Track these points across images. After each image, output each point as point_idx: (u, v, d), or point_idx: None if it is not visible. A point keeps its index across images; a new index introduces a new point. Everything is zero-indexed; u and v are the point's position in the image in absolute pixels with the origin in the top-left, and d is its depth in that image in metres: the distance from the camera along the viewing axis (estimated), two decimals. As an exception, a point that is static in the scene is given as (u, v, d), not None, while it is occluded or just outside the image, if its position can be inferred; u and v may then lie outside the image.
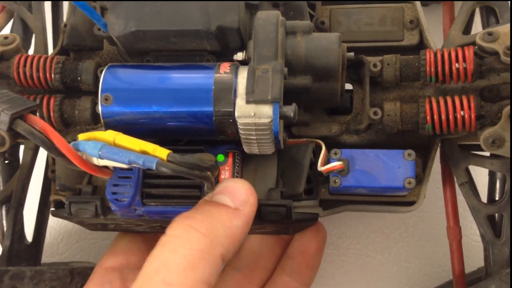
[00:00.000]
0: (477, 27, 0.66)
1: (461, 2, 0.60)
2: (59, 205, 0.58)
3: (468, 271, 0.63)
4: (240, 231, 0.48)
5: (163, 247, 0.46)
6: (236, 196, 0.49)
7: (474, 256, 0.67)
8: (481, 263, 0.62)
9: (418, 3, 0.58)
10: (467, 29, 0.60)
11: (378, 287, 0.69)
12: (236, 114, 0.48)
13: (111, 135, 0.48)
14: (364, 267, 0.70)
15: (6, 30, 0.66)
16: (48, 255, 0.71)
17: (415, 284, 0.69)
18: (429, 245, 0.70)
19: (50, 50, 0.65)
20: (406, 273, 0.70)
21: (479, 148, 0.57)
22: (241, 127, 0.49)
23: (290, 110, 0.48)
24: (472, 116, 0.51)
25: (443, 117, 0.52)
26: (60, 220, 0.73)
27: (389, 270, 0.70)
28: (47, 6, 0.68)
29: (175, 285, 0.43)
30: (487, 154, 0.57)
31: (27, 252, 0.64)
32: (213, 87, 0.49)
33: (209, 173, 0.49)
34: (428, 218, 0.70)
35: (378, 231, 0.71)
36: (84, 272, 0.61)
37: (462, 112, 0.52)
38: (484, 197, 0.59)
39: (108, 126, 0.51)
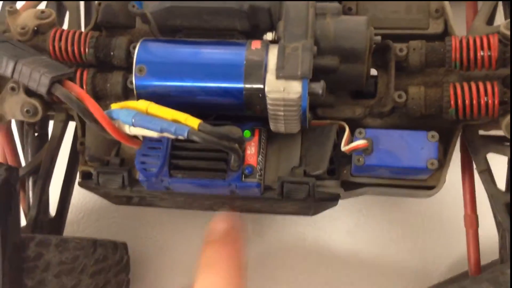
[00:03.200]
0: (497, 22, 0.67)
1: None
2: (86, 176, 0.59)
3: (483, 262, 0.63)
4: None
5: None
6: None
7: (490, 248, 0.67)
8: (491, 257, 0.63)
9: (443, -8, 0.59)
10: (490, 21, 0.61)
11: (393, 274, 0.70)
12: (266, 89, 0.49)
13: (144, 104, 0.50)
14: (380, 254, 0.70)
15: (42, 7, 0.68)
16: (69, 231, 0.72)
17: (431, 273, 0.70)
18: (446, 233, 0.70)
19: (82, 29, 0.67)
20: (422, 261, 0.70)
21: (499, 140, 0.58)
22: (270, 102, 0.50)
23: (319, 86, 0.49)
24: (496, 102, 0.52)
25: (467, 102, 0.53)
26: (81, 197, 0.75)
27: (402, 260, 0.71)
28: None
29: None
30: (507, 143, 0.58)
31: (50, 225, 0.66)
32: (245, 62, 0.51)
33: (236, 145, 0.50)
34: (445, 206, 0.70)
35: (393, 222, 0.71)
36: (106, 244, 0.62)
37: (486, 98, 0.53)
38: (500, 186, 0.60)
39: (140, 98, 0.52)
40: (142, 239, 0.73)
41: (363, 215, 0.72)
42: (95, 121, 0.48)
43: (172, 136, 0.48)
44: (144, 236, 0.73)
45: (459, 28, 0.60)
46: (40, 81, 0.46)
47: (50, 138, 0.62)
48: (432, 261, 0.70)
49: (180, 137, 0.48)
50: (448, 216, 0.71)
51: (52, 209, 0.67)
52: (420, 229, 0.71)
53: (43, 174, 0.61)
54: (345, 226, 0.72)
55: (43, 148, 0.62)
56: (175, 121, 0.48)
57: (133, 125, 0.49)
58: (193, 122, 0.48)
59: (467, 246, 0.62)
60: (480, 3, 0.63)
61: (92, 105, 0.48)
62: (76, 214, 0.75)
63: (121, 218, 0.74)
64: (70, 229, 0.74)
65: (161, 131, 0.48)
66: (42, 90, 0.46)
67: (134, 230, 0.73)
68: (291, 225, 0.72)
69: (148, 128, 0.48)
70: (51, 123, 0.64)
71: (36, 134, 0.65)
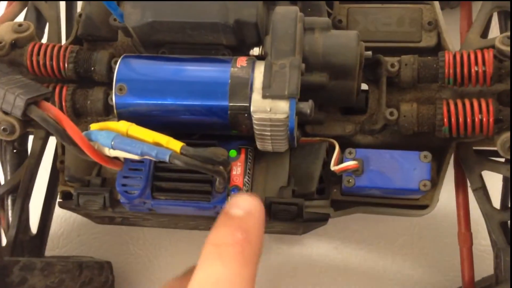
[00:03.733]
0: (493, 32, 0.66)
1: (478, 5, 0.60)
2: (66, 196, 0.57)
3: (477, 278, 0.62)
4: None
5: None
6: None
7: (484, 264, 0.66)
8: (486, 272, 0.61)
9: (437, 4, 0.57)
10: (484, 33, 0.59)
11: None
12: (252, 108, 0.47)
13: (124, 126, 0.47)
14: (372, 270, 0.69)
15: (20, 18, 0.65)
16: (49, 248, 0.70)
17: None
18: (440, 251, 0.69)
19: (63, 40, 0.65)
20: (410, 281, 0.69)
21: (493, 154, 0.56)
22: (256, 122, 0.48)
23: (307, 106, 0.47)
24: (491, 120, 0.51)
25: (461, 120, 0.51)
26: (61, 213, 0.73)
27: (392, 277, 0.69)
28: (62, -5, 0.68)
29: None
30: (502, 160, 0.56)
31: (31, 244, 0.64)
32: (229, 81, 0.49)
33: (221, 167, 0.48)
34: (439, 223, 0.69)
35: (382, 237, 0.70)
36: (92, 266, 0.60)
37: (480, 116, 0.51)
38: (495, 204, 0.58)
39: (121, 117, 0.50)
40: (125, 255, 0.71)
41: (351, 230, 0.70)
42: (74, 143, 0.46)
43: (154, 159, 0.46)
44: (127, 252, 0.71)
45: (453, 39, 0.58)
46: (15, 103, 0.44)
47: (29, 155, 0.60)
48: (423, 278, 0.69)
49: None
50: (441, 232, 0.69)
51: (33, 226, 0.65)
52: (411, 245, 0.70)
53: (22, 192, 0.59)
54: (333, 242, 0.71)
55: (22, 166, 0.60)
56: (157, 144, 0.46)
57: (113, 148, 0.46)
58: (175, 145, 0.45)
59: (461, 263, 0.60)
60: (474, 13, 0.61)
61: (70, 127, 0.46)
62: (56, 230, 0.73)
63: (103, 234, 0.72)
64: (50, 245, 0.72)
65: (142, 154, 0.46)
66: (17, 113, 0.44)
67: (117, 247, 0.71)
68: (278, 241, 0.70)
69: (128, 152, 0.46)
70: (31, 138, 0.62)
71: (14, 151, 0.63)
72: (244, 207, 0.42)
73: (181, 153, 0.45)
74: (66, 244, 0.72)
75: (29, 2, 0.66)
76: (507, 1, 0.59)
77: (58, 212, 0.70)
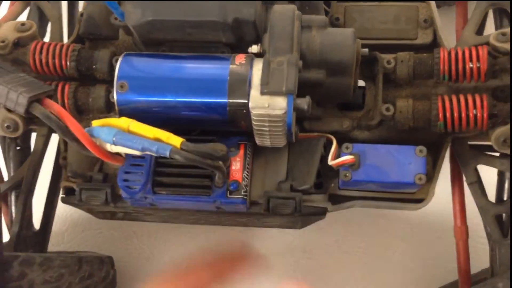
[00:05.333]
0: (488, 29, 0.67)
1: (474, 3, 0.61)
2: (69, 192, 0.58)
3: (473, 272, 0.63)
4: None
5: None
6: None
7: (480, 257, 0.67)
8: (484, 265, 0.62)
9: (433, 3, 0.58)
10: (480, 31, 0.60)
11: (383, 285, 0.69)
12: (251, 105, 0.48)
13: (125, 122, 0.48)
14: (369, 264, 0.70)
15: (22, 17, 0.66)
16: (53, 243, 0.71)
17: (418, 284, 0.69)
18: (436, 244, 0.70)
19: (65, 39, 0.66)
20: (410, 272, 0.70)
21: (488, 148, 0.57)
22: (254, 118, 0.49)
23: (304, 102, 0.48)
24: (485, 115, 0.52)
25: (456, 115, 0.52)
26: (66, 209, 0.74)
27: (393, 269, 0.70)
28: (64, -5, 0.69)
29: None
30: (497, 154, 0.57)
31: (34, 239, 0.64)
32: (228, 78, 0.49)
33: (221, 162, 0.49)
34: (435, 217, 0.70)
35: (385, 229, 0.71)
36: (92, 261, 0.61)
37: (474, 111, 0.52)
38: (490, 197, 0.59)
39: (122, 114, 0.51)
40: (128, 250, 0.72)
41: (352, 224, 0.71)
42: (76, 140, 0.47)
43: (155, 155, 0.47)
44: (130, 247, 0.72)
45: (449, 36, 0.59)
46: (18, 101, 0.45)
47: (32, 152, 0.61)
48: (421, 271, 0.70)
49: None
50: (438, 226, 0.70)
51: (37, 222, 0.66)
52: (409, 239, 0.71)
53: (25, 188, 0.60)
54: (334, 236, 0.72)
55: (25, 163, 0.61)
56: (157, 140, 0.47)
57: (114, 144, 0.47)
58: (176, 140, 0.46)
59: (457, 256, 0.61)
60: (470, 10, 0.62)
61: (72, 124, 0.47)
62: (61, 226, 0.74)
63: (107, 229, 0.73)
64: (55, 241, 0.73)
65: (143, 150, 0.47)
66: (20, 110, 0.45)
67: (120, 241, 0.72)
68: (279, 235, 0.71)
69: (129, 147, 0.47)
70: (33, 135, 0.63)
71: (18, 148, 0.64)
72: None
73: (181, 149, 0.46)
74: (71, 239, 0.73)
75: (32, 1, 0.67)
76: (503, 1, 0.59)
77: (64, 208, 0.71)
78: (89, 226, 0.73)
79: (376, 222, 0.71)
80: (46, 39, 0.65)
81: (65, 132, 0.47)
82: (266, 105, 0.48)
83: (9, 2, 0.67)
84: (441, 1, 0.66)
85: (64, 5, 0.68)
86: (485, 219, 0.57)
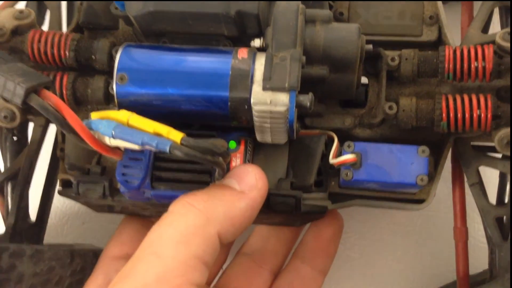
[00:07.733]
0: (494, 27, 0.66)
1: (480, 1, 0.60)
2: (66, 184, 0.57)
3: (473, 273, 0.63)
4: (243, 213, 0.47)
5: (161, 222, 0.46)
6: (243, 180, 0.48)
7: (480, 258, 0.66)
8: (483, 267, 0.62)
9: (439, -1, 0.57)
10: (485, 29, 0.59)
11: (382, 284, 0.69)
12: (252, 100, 0.48)
13: (125, 115, 0.47)
14: (369, 263, 0.70)
15: (21, 5, 0.65)
16: (52, 236, 0.70)
17: (419, 283, 0.69)
18: (436, 245, 0.69)
19: (64, 28, 0.65)
20: (412, 271, 0.70)
21: (491, 149, 0.57)
22: (256, 114, 0.48)
23: (307, 99, 0.47)
24: (489, 115, 0.51)
25: (459, 115, 0.51)
26: (66, 201, 0.73)
27: (394, 268, 0.70)
28: (63, -17, 0.68)
29: (166, 257, 0.43)
30: (499, 155, 0.56)
31: (30, 231, 0.63)
32: (230, 72, 0.49)
33: (221, 158, 0.49)
34: (436, 218, 0.69)
35: (385, 228, 0.70)
36: (85, 254, 0.60)
37: (478, 111, 0.51)
38: (491, 199, 0.58)
39: (121, 106, 0.50)
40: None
41: (353, 222, 0.71)
42: (74, 132, 0.46)
43: (154, 150, 0.46)
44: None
45: (454, 34, 0.58)
46: (15, 91, 0.44)
47: (30, 142, 0.60)
48: (421, 271, 0.69)
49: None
50: (438, 227, 0.69)
51: (33, 214, 0.65)
52: (409, 239, 0.70)
53: (22, 179, 0.59)
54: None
55: (22, 153, 0.60)
56: (157, 134, 0.46)
57: (113, 137, 0.47)
58: (176, 135, 0.46)
59: (456, 258, 0.61)
60: (476, 8, 0.61)
61: (70, 116, 0.46)
62: (60, 218, 0.73)
63: (108, 222, 0.72)
64: (54, 233, 0.72)
65: (142, 144, 0.46)
66: (17, 101, 0.44)
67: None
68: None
69: (128, 141, 0.46)
70: (31, 126, 0.62)
71: (15, 138, 0.63)
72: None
73: (181, 144, 0.45)
74: (71, 232, 0.72)
75: (30, -11, 0.65)
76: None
77: (64, 200, 0.71)
78: (89, 219, 0.73)
79: (376, 222, 0.70)
80: (45, 27, 0.64)
81: (63, 124, 0.46)
82: (268, 101, 0.47)
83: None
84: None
85: (64, -7, 0.67)
86: (485, 221, 0.57)
